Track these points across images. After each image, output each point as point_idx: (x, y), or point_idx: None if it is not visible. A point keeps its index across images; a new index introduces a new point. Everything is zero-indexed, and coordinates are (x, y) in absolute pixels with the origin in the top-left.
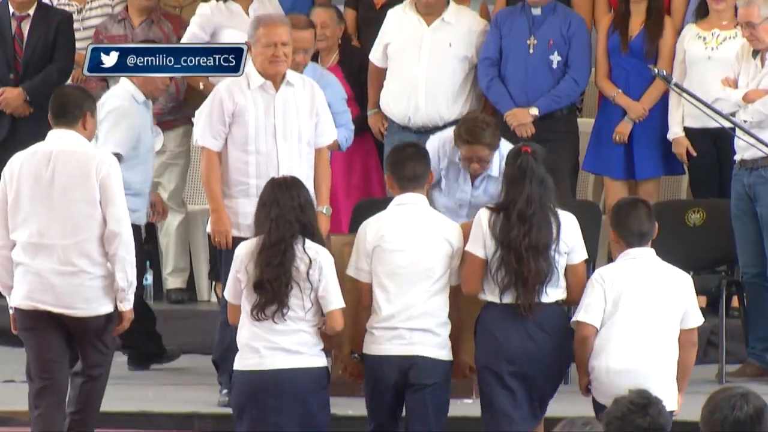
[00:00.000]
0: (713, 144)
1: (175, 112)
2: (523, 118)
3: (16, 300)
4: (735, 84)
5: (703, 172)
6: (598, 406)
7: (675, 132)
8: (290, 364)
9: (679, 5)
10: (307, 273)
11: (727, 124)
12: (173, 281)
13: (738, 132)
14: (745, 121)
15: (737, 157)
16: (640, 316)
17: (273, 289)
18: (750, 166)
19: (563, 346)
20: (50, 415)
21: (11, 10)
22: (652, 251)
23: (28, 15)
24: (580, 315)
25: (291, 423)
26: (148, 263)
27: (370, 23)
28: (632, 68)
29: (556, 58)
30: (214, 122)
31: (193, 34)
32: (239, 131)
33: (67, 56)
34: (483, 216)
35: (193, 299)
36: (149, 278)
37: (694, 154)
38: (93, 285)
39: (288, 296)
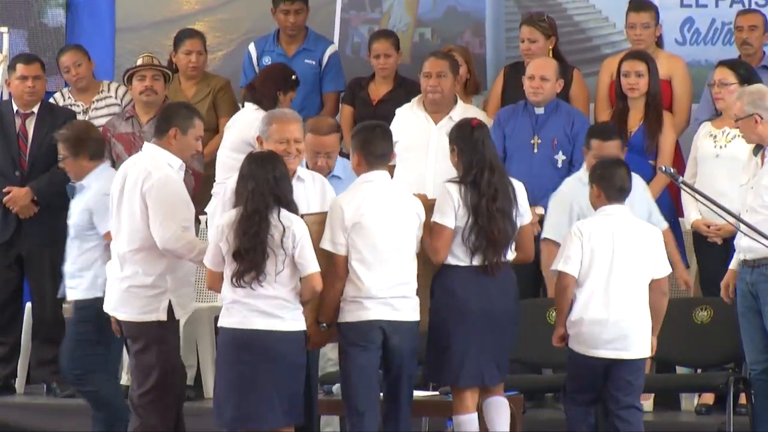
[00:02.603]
0: (723, 240)
1: None
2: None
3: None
4: None
5: (714, 269)
6: (574, 355)
7: (690, 218)
8: (269, 326)
9: (681, 101)
10: (281, 240)
11: (732, 220)
12: None
13: (743, 228)
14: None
15: (740, 256)
16: (616, 269)
17: (250, 258)
18: (752, 264)
19: (515, 303)
20: None
21: (15, 107)
22: (626, 208)
23: (33, 113)
24: (560, 265)
25: (268, 382)
26: None
27: (366, 119)
28: (632, 164)
29: (560, 157)
30: None
31: None
32: None
33: None
34: (452, 189)
35: (200, 396)
36: None
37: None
38: (136, 293)
39: (264, 263)
